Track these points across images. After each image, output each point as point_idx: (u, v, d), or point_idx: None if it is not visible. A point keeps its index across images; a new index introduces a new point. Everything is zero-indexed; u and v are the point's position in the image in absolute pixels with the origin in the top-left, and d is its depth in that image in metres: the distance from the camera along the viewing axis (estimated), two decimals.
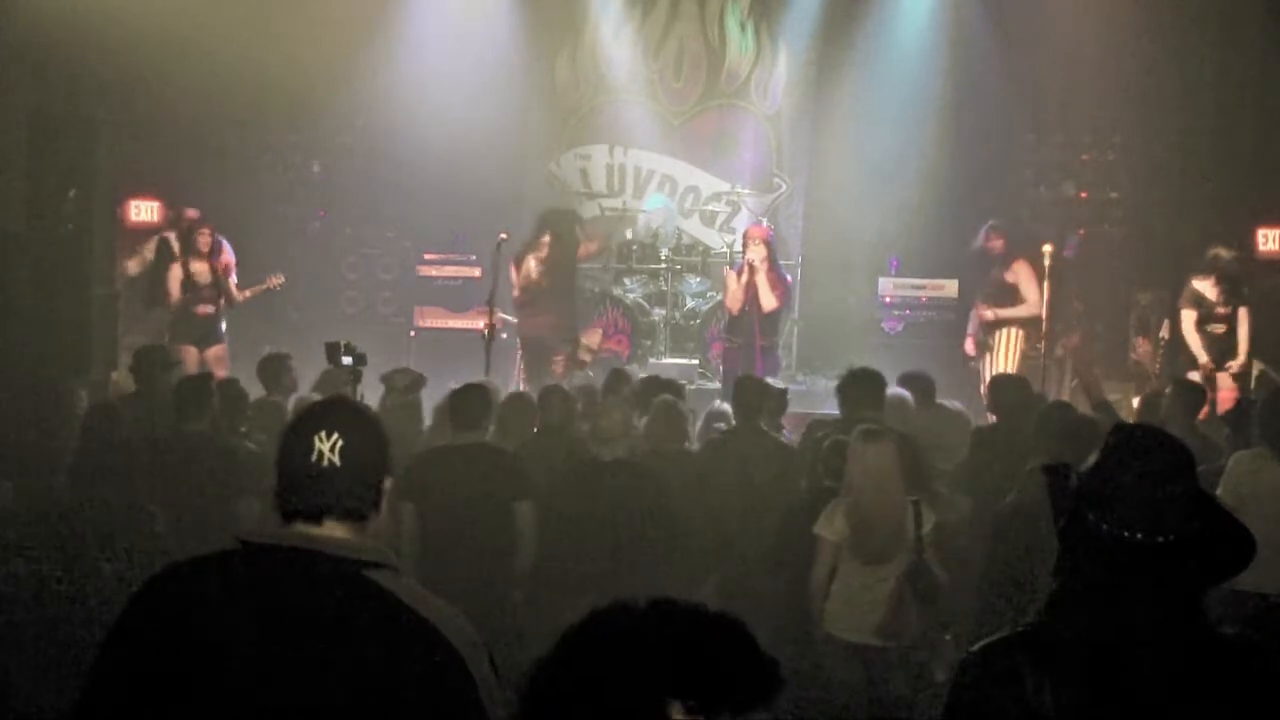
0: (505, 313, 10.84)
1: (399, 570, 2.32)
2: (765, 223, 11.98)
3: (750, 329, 9.98)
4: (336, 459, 2.31)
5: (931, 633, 5.30)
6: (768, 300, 9.91)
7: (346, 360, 6.79)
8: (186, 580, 2.28)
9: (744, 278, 10.02)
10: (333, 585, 2.23)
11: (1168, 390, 7.23)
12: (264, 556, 2.28)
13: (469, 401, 5.99)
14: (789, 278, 10.69)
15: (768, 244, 10.12)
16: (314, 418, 2.38)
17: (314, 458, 2.31)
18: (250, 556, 2.28)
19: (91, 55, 10.10)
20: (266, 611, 2.19)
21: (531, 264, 10.56)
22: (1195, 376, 9.52)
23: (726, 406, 7.42)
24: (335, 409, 2.43)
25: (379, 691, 2.13)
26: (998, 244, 10.49)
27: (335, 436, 2.32)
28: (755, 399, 6.82)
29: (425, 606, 2.24)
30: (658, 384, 7.52)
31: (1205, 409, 7.34)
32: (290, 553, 2.28)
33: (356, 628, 2.18)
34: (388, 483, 2.41)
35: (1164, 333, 10.60)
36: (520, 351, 10.82)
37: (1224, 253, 9.66)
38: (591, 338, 11.16)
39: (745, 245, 10.24)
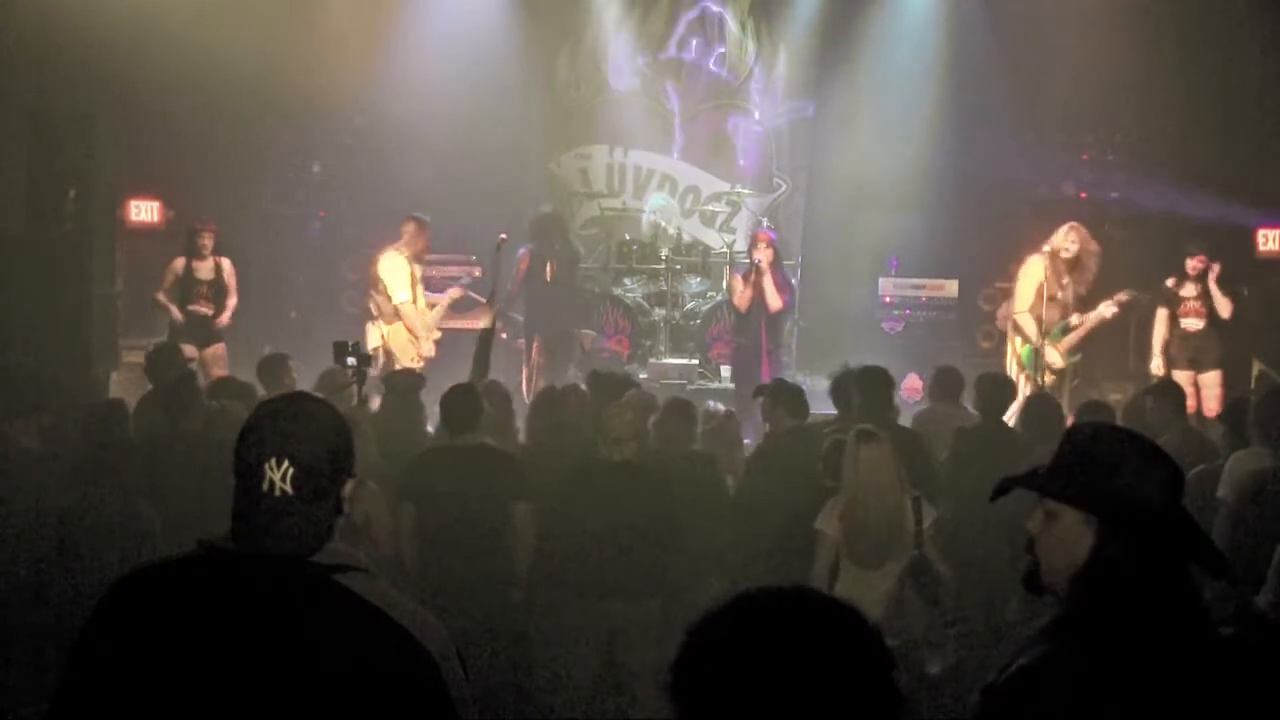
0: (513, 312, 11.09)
1: (370, 573, 2.27)
2: (765, 222, 12.01)
3: (756, 330, 10.23)
4: (289, 488, 2.22)
5: (934, 629, 5.29)
6: (774, 301, 10.10)
7: (351, 361, 6.84)
8: (149, 587, 2.22)
9: (751, 278, 10.21)
10: (300, 591, 2.18)
11: (1148, 396, 7.19)
12: (229, 562, 2.22)
13: (460, 402, 5.99)
14: (794, 281, 10.75)
15: (774, 248, 10.25)
16: (265, 439, 2.25)
17: (265, 487, 2.22)
18: (214, 562, 2.22)
19: (91, 55, 10.09)
20: (232, 618, 2.14)
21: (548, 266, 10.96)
22: (1158, 373, 9.61)
23: (719, 406, 7.48)
24: (287, 423, 2.26)
25: (350, 696, 2.10)
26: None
27: (286, 464, 2.22)
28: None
29: (396, 610, 2.20)
30: (610, 380, 7.55)
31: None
32: (254, 559, 2.22)
33: (325, 633, 2.14)
34: (349, 487, 2.32)
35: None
36: (536, 352, 10.92)
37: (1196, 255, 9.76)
38: (585, 339, 11.30)
39: (752, 248, 10.41)
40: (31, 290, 8.81)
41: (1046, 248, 9.88)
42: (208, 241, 10.34)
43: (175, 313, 10.19)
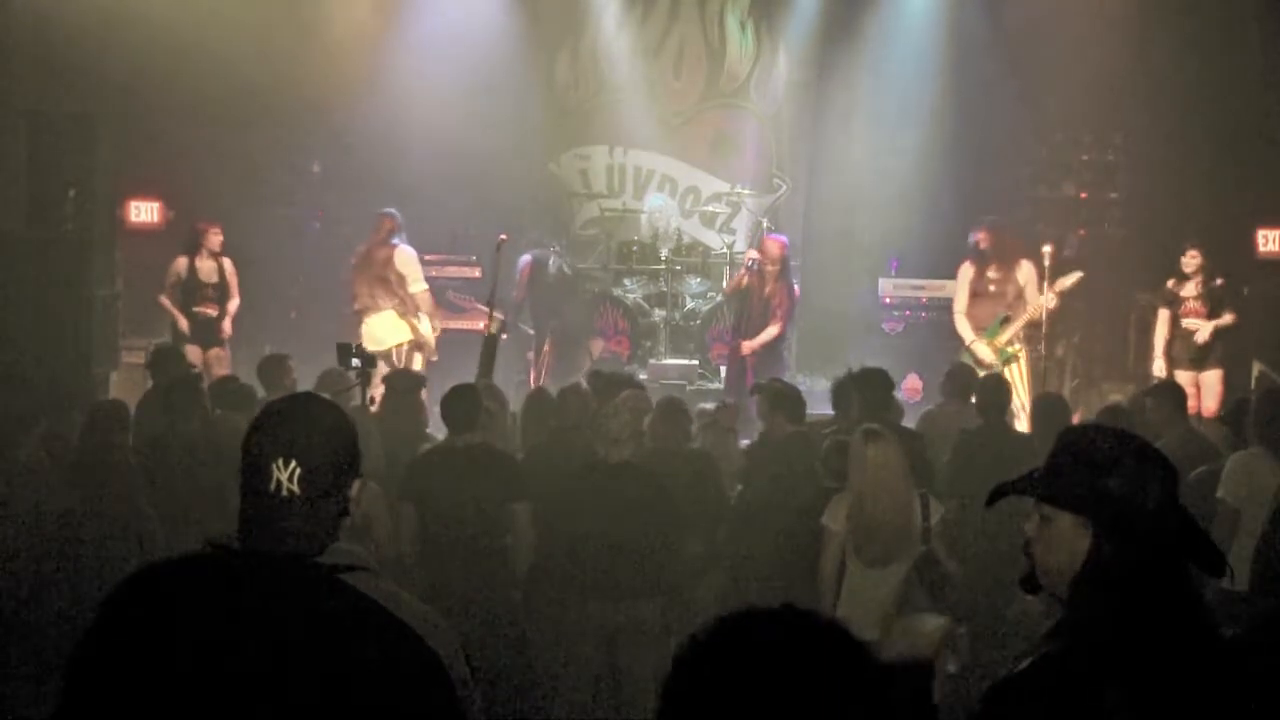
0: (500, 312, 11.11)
1: (374, 572, 2.28)
2: (766, 223, 12.00)
3: (746, 334, 10.39)
4: (296, 488, 2.23)
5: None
6: (771, 333, 10.30)
7: (355, 363, 6.87)
8: (156, 586, 2.20)
9: (746, 278, 10.42)
10: (306, 590, 2.18)
11: (1148, 397, 7.15)
12: (233, 562, 2.22)
13: (459, 403, 5.99)
14: (797, 291, 10.76)
15: (781, 260, 10.41)
16: (272, 439, 2.26)
17: (272, 487, 2.23)
18: (221, 561, 2.22)
19: (91, 55, 10.10)
20: (238, 617, 2.13)
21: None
22: (1158, 374, 9.61)
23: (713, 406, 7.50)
24: (294, 425, 2.28)
25: (356, 695, 2.09)
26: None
27: (293, 464, 2.24)
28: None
29: (403, 610, 2.20)
30: (612, 380, 7.56)
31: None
32: (261, 558, 2.22)
33: (332, 632, 2.13)
34: (355, 488, 2.33)
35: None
36: (548, 351, 11.00)
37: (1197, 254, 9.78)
38: (594, 346, 11.33)
39: (756, 249, 10.65)
40: (31, 290, 8.81)
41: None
42: (213, 241, 10.35)
43: (180, 319, 10.20)
